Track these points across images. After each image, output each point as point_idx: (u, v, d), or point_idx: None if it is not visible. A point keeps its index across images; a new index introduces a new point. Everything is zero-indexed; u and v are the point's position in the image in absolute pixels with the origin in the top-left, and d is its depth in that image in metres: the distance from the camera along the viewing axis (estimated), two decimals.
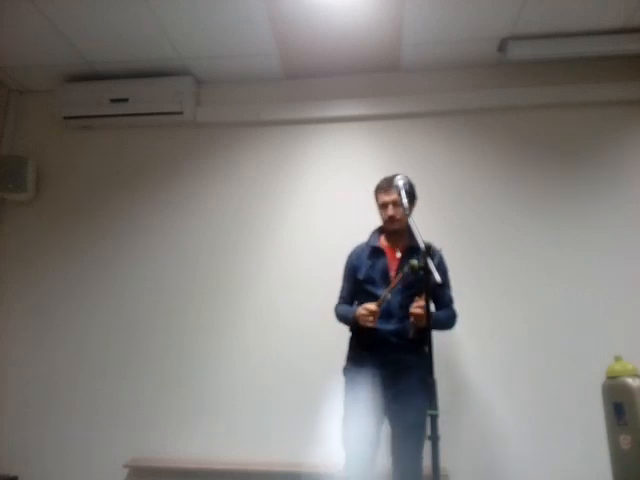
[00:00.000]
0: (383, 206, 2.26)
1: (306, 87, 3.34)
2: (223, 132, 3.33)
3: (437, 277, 1.52)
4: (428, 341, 1.53)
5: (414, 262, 1.59)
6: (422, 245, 1.62)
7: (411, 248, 2.14)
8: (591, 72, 3.10)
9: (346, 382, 2.16)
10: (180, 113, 3.23)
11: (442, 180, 3.06)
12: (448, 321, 2.21)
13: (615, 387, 2.15)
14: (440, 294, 2.18)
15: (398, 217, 2.19)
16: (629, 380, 2.11)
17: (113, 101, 3.26)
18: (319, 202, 3.12)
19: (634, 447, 2.03)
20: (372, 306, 2.01)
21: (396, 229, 2.21)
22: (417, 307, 1.96)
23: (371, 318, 2.00)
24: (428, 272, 1.54)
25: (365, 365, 2.09)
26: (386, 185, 2.24)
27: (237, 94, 3.39)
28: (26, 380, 3.03)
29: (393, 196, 2.19)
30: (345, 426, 2.07)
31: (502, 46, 3.04)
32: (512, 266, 2.89)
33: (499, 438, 2.63)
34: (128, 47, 3.08)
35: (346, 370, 2.20)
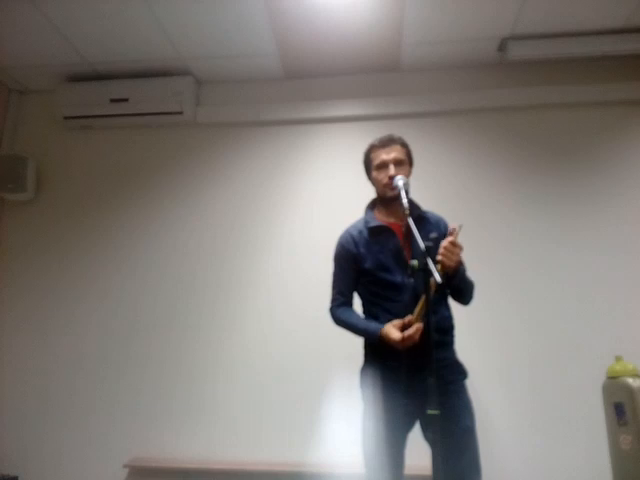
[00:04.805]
0: (381, 166, 1.88)
1: (306, 87, 3.34)
2: (223, 132, 3.33)
3: (437, 277, 1.50)
4: (427, 341, 1.52)
5: (414, 262, 1.56)
6: (422, 245, 1.58)
7: (414, 220, 1.72)
8: (591, 72, 3.11)
9: (367, 385, 1.82)
10: (180, 113, 3.23)
11: (441, 180, 3.06)
12: (471, 282, 1.86)
13: (615, 387, 2.16)
14: None
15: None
16: (629, 380, 2.12)
17: (113, 101, 3.26)
18: (319, 202, 3.12)
19: (634, 447, 2.03)
20: (413, 328, 1.65)
21: (396, 195, 1.80)
22: (446, 241, 1.64)
23: (418, 335, 1.64)
24: (428, 272, 1.53)
25: (395, 366, 1.75)
26: (386, 140, 1.91)
27: (237, 94, 3.39)
28: (26, 379, 3.03)
29: (393, 153, 1.87)
30: (369, 439, 1.75)
31: (502, 46, 3.04)
32: (512, 266, 2.89)
33: (499, 438, 2.63)
34: (128, 47, 3.08)
35: (367, 371, 1.84)
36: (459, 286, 1.83)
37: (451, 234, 1.67)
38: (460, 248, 1.68)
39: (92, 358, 3.02)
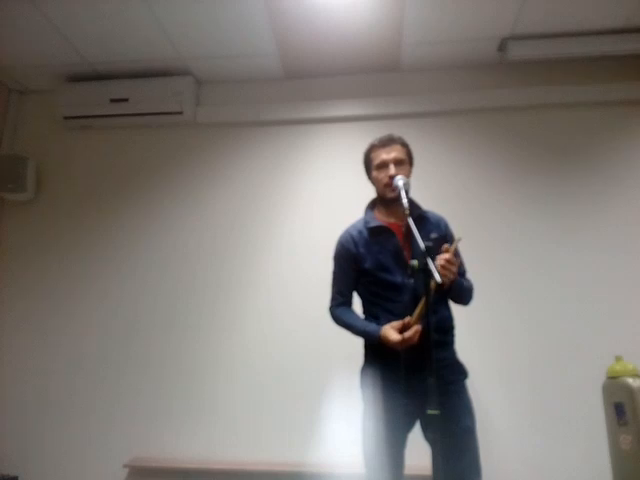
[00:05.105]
0: (381, 166, 1.88)
1: (306, 87, 3.34)
2: (223, 132, 3.33)
3: (437, 277, 1.50)
4: (427, 341, 1.52)
5: (414, 263, 1.56)
6: (422, 245, 1.57)
7: (414, 220, 1.72)
8: (591, 72, 3.11)
9: (367, 385, 1.82)
10: (180, 113, 3.23)
11: (441, 180, 3.06)
12: (469, 288, 1.87)
13: (615, 387, 2.16)
14: None
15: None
16: (629, 380, 2.12)
17: (113, 101, 3.26)
18: (319, 202, 3.12)
19: (634, 447, 2.03)
20: (411, 330, 1.65)
21: (396, 196, 1.80)
22: (442, 259, 1.62)
23: (416, 337, 1.65)
24: (428, 273, 1.52)
25: (395, 366, 1.74)
26: (386, 140, 1.91)
27: (237, 94, 3.39)
28: (26, 379, 3.03)
29: (393, 153, 1.87)
30: (369, 439, 1.75)
31: (502, 46, 3.04)
32: (512, 266, 2.89)
33: (499, 438, 2.63)
34: (128, 47, 3.08)
35: (367, 371, 1.85)
36: (457, 294, 1.84)
37: (446, 251, 1.65)
38: (455, 265, 1.66)
39: (92, 358, 3.02)
